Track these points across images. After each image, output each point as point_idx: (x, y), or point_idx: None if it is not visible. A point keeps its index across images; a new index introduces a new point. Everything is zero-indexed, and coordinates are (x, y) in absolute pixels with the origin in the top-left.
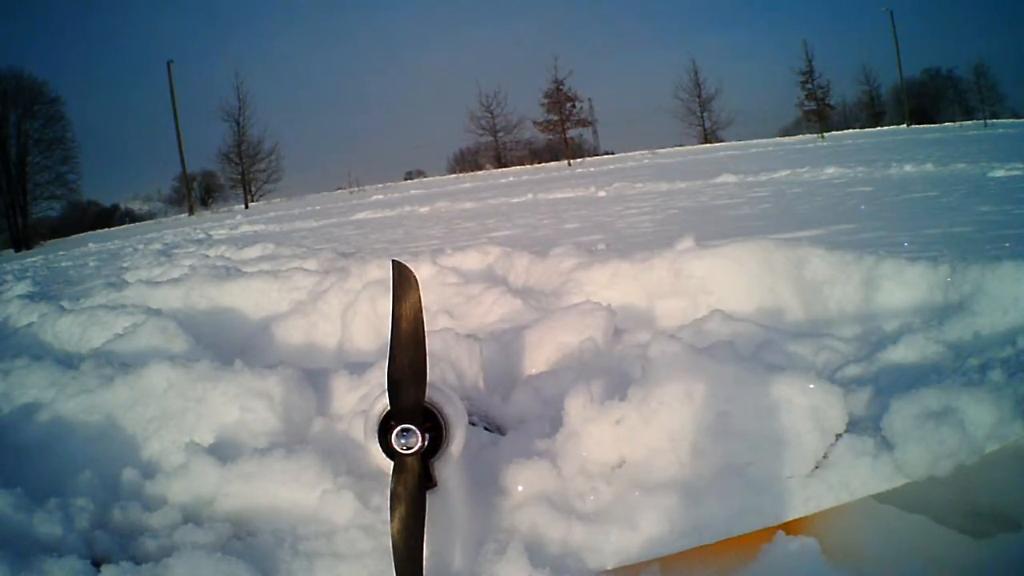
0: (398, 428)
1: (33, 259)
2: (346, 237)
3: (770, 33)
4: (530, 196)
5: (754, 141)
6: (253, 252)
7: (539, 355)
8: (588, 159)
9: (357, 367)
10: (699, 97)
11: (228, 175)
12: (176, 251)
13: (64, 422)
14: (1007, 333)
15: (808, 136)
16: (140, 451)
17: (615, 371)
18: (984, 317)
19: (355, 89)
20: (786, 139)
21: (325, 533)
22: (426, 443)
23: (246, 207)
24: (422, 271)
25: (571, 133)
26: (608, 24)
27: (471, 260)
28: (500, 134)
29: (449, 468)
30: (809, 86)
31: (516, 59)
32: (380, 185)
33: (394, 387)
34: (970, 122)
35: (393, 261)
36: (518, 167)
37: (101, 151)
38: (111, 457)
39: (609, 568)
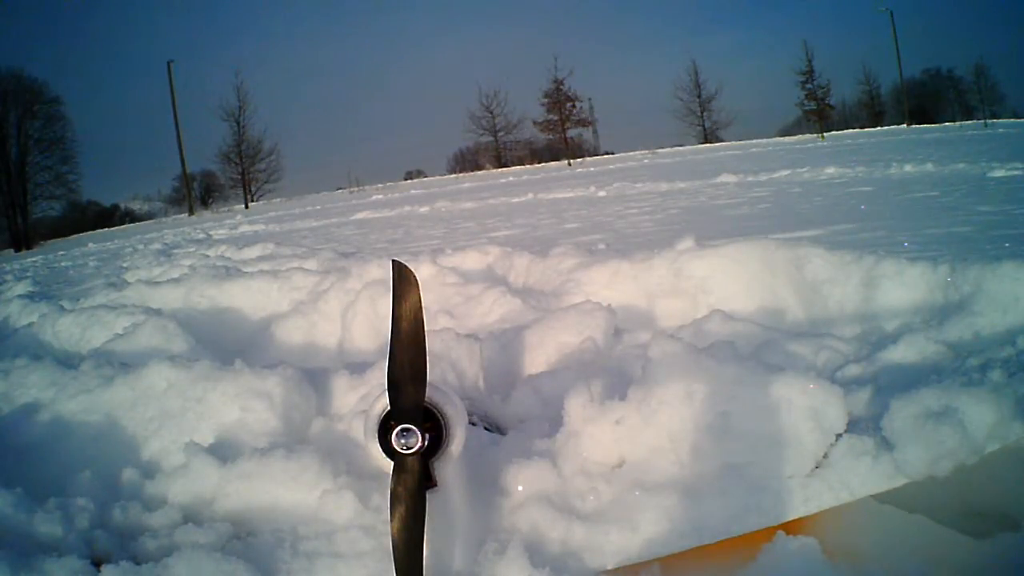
0: (398, 428)
1: (33, 259)
2: (346, 237)
3: (770, 33)
4: (530, 196)
5: (754, 141)
6: (253, 252)
7: (539, 355)
8: (588, 159)
9: (357, 367)
10: (699, 97)
11: (228, 175)
12: (176, 251)
13: (64, 422)
14: (1007, 333)
15: (808, 136)
16: (140, 451)
17: (615, 371)
18: (984, 317)
19: (355, 89)
20: (786, 139)
21: (325, 533)
22: (426, 443)
23: (246, 207)
24: (422, 271)
25: (571, 133)
26: (608, 24)
27: (471, 260)
28: (500, 134)
29: (449, 468)
30: (809, 86)
31: (516, 59)
32: (380, 185)
33: (394, 387)
34: (970, 122)
35: (393, 261)
36: (518, 167)
37: (101, 151)
38: (111, 457)
39: (609, 568)
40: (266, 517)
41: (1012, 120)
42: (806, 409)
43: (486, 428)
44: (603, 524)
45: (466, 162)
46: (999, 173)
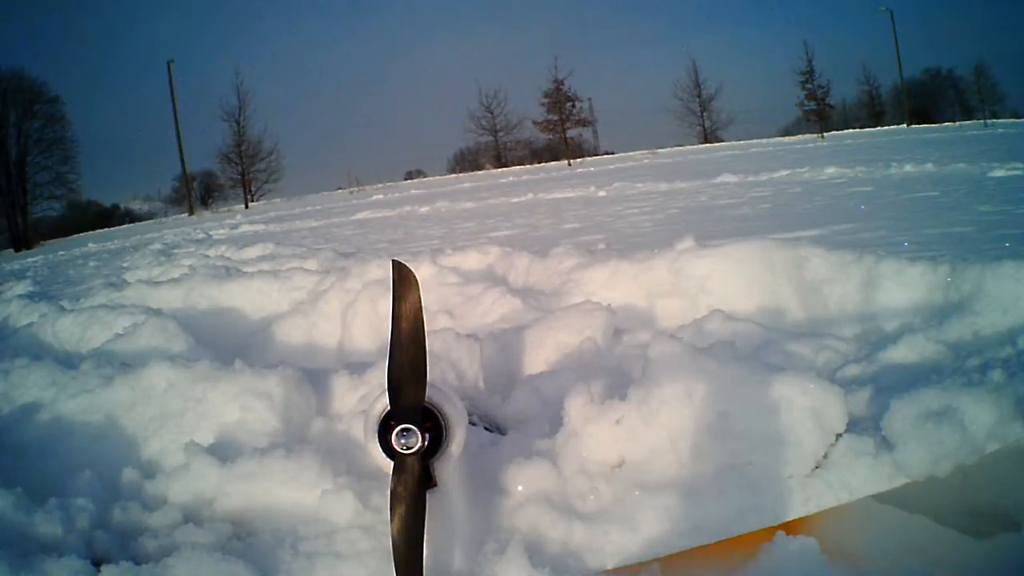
0: (398, 428)
1: (33, 259)
2: (346, 237)
3: (770, 33)
4: (530, 196)
5: (754, 141)
6: (253, 252)
7: (539, 355)
8: (588, 159)
9: (357, 367)
10: (699, 97)
11: (228, 175)
12: (176, 251)
13: (64, 422)
14: (1007, 333)
15: (808, 136)
16: (140, 451)
17: (615, 371)
18: (984, 317)
19: (355, 89)
20: (786, 139)
21: (325, 533)
22: (426, 443)
23: (246, 207)
24: (422, 271)
25: (571, 133)
26: (608, 24)
27: (471, 260)
28: (500, 134)
29: (449, 468)
30: (809, 86)
31: (516, 59)
32: (380, 185)
33: (394, 387)
34: (970, 122)
35: (393, 261)
36: (518, 167)
37: (101, 151)
38: (111, 457)
39: (609, 568)
40: (266, 517)
41: (1012, 120)
42: (806, 409)
43: (486, 428)
44: (603, 524)
45: (466, 162)
46: (999, 173)
